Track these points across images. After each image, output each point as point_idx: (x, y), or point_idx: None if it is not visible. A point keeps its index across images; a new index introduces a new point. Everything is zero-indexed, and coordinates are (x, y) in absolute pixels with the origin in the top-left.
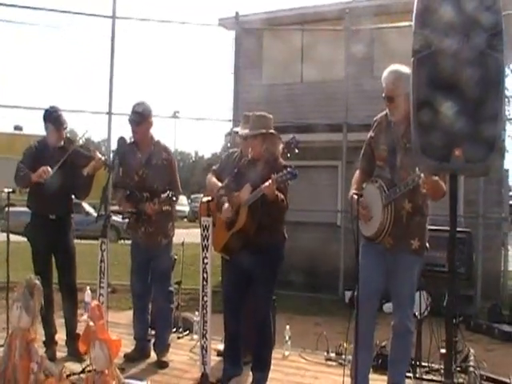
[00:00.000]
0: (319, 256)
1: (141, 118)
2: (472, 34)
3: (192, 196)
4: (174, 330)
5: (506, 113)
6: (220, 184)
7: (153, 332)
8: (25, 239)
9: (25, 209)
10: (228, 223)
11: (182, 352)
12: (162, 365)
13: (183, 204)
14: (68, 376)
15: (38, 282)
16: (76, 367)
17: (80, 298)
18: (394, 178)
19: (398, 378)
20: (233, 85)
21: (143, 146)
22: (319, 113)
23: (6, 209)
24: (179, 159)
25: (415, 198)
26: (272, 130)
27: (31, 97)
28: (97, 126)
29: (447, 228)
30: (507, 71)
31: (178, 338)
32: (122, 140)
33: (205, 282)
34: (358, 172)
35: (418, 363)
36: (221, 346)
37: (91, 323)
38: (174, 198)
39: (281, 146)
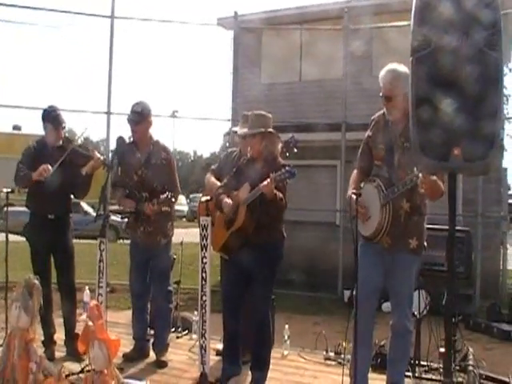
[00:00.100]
0: (318, 255)
1: (140, 117)
2: (471, 31)
3: (191, 195)
4: (173, 329)
5: (505, 111)
6: (219, 183)
7: (152, 332)
8: (23, 239)
9: (24, 208)
10: (227, 222)
11: (181, 352)
12: (160, 364)
13: (182, 203)
14: (67, 376)
15: (36, 281)
16: (75, 367)
17: (79, 298)
18: (392, 177)
19: (397, 378)
20: (232, 84)
21: (142, 146)
22: (318, 112)
23: (5, 209)
24: (178, 159)
25: (413, 197)
26: (271, 129)
27: (30, 96)
28: (96, 126)
29: (446, 227)
30: (505, 70)
31: (177, 337)
32: (120, 140)
33: (204, 282)
34: (355, 171)
35: (417, 362)
36: (220, 346)
37: (90, 323)
38: (174, 199)
39: (280, 145)
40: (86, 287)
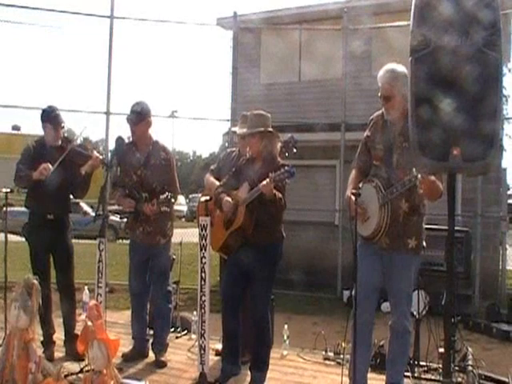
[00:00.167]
0: (317, 255)
1: (139, 117)
2: (471, 31)
3: (190, 195)
4: (173, 329)
5: (504, 112)
6: (218, 183)
7: (151, 332)
8: (23, 239)
9: (23, 208)
10: (226, 222)
11: (181, 352)
12: (160, 364)
13: (181, 203)
14: (66, 376)
15: (36, 281)
16: (74, 367)
17: (78, 298)
18: (391, 178)
19: (396, 378)
20: (231, 84)
21: (142, 146)
22: (318, 112)
23: (4, 208)
24: (177, 159)
25: (412, 197)
26: (270, 129)
27: (29, 96)
28: (95, 126)
29: (445, 227)
30: (505, 70)
31: (177, 337)
32: (120, 140)
33: (203, 282)
34: (353, 171)
35: (416, 362)
36: (219, 346)
37: (89, 323)
38: (173, 199)
39: (279, 145)
40: (86, 287)
